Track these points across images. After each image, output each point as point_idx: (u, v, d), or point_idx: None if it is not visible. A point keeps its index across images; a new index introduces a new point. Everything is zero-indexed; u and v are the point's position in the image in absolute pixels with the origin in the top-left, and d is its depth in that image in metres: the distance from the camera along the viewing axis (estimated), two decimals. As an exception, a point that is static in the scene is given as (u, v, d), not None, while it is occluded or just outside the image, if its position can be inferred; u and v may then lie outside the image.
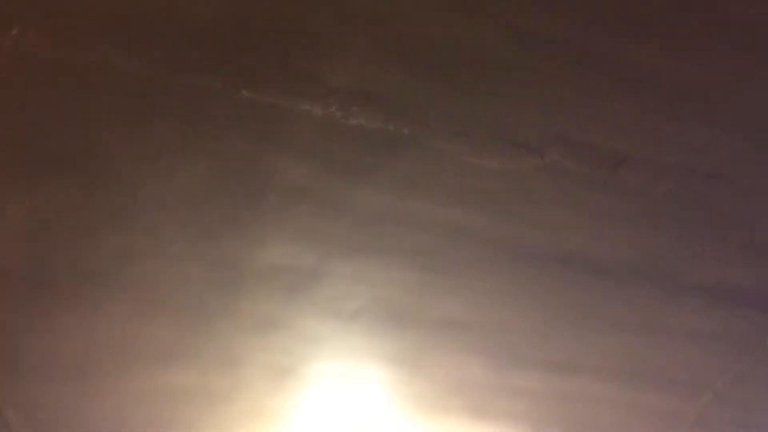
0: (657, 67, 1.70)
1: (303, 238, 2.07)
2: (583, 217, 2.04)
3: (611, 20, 1.61)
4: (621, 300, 2.28)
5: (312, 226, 2.04)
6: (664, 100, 1.77)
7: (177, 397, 2.59)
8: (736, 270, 2.21)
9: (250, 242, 2.08)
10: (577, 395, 2.66)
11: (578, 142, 1.88)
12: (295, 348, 2.46)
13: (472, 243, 2.10)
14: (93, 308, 2.20)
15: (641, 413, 2.77)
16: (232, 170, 1.90)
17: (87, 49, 1.63)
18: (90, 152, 1.82)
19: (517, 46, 1.66)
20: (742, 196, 1.99)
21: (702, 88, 1.76)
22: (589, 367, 2.53)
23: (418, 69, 1.72)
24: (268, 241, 2.08)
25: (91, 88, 1.70)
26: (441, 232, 2.06)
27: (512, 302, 2.28)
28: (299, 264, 2.15)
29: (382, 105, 1.78)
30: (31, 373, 2.43)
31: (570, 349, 2.45)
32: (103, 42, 1.62)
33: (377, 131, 1.83)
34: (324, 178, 1.93)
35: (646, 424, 2.81)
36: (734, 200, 2.00)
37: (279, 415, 2.74)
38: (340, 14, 1.59)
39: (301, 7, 1.59)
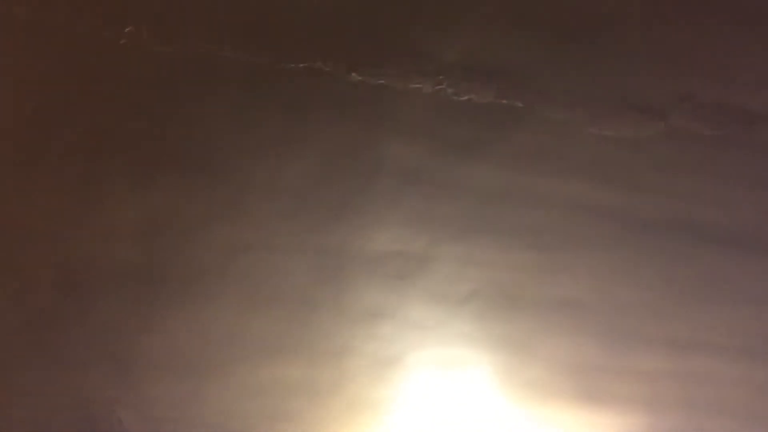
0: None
1: (414, 221, 2.01)
2: (711, 183, 1.91)
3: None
4: (750, 271, 2.14)
5: (424, 208, 1.97)
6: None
7: (283, 390, 2.57)
8: None
9: (359, 230, 2.02)
10: (698, 375, 2.52)
11: (705, 102, 1.75)
12: (402, 337, 2.40)
13: (591, 217, 1.99)
14: (202, 304, 2.19)
15: None
16: (342, 157, 1.84)
17: (197, 42, 1.59)
18: (201, 147, 1.79)
19: None
20: None
21: None
22: (713, 344, 2.40)
23: (532, 36, 1.62)
24: (377, 228, 2.02)
25: (202, 83, 1.66)
26: (558, 208, 1.97)
27: (632, 279, 2.17)
28: (409, 249, 2.09)
29: (495, 78, 1.69)
30: (143, 372, 2.45)
31: (693, 325, 2.32)
32: (213, 34, 1.59)
33: (490, 106, 1.74)
34: (436, 158, 1.85)
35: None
36: None
37: (385, 406, 2.69)
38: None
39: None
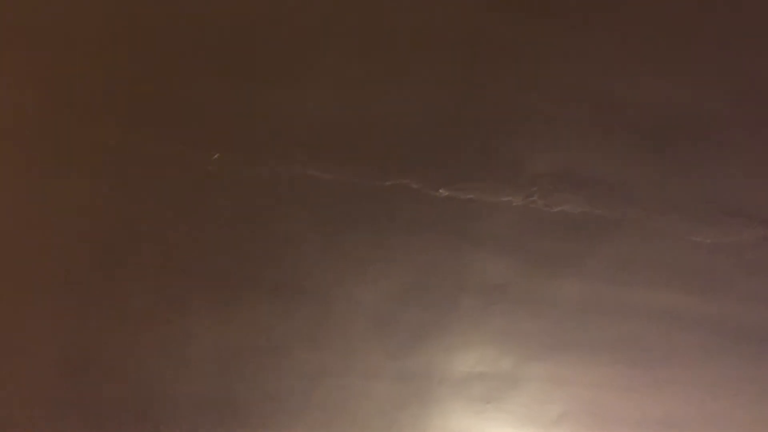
0: None
1: (499, 341, 1.93)
2: (815, 288, 1.82)
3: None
4: None
5: (509, 326, 1.90)
6: None
7: None
8: None
9: (443, 351, 1.95)
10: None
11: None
12: (487, 464, 2.26)
13: (685, 328, 1.90)
14: (284, 430, 2.08)
15: None
16: (425, 275, 1.80)
17: (284, 164, 1.59)
18: (283, 271, 1.76)
19: (737, 103, 1.53)
20: None
21: None
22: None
23: (626, 143, 1.60)
24: (462, 348, 1.94)
25: (288, 203, 1.65)
26: (650, 319, 1.88)
27: (731, 392, 2.04)
28: (494, 370, 2.00)
29: (588, 187, 1.66)
30: None
31: (801, 441, 2.16)
32: (299, 155, 1.59)
33: (582, 216, 1.70)
34: (524, 273, 1.80)
35: None
36: None
37: None
38: (550, 93, 1.50)
39: (499, 93, 1.51)
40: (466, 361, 1.96)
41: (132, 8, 1.29)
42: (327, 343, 1.91)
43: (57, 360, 1.90)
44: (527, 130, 1.56)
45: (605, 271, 1.80)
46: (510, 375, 2.00)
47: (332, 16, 1.33)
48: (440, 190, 1.67)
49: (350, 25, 1.34)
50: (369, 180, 1.65)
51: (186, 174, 1.61)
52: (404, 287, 1.81)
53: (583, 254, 1.77)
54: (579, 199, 1.68)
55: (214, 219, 1.69)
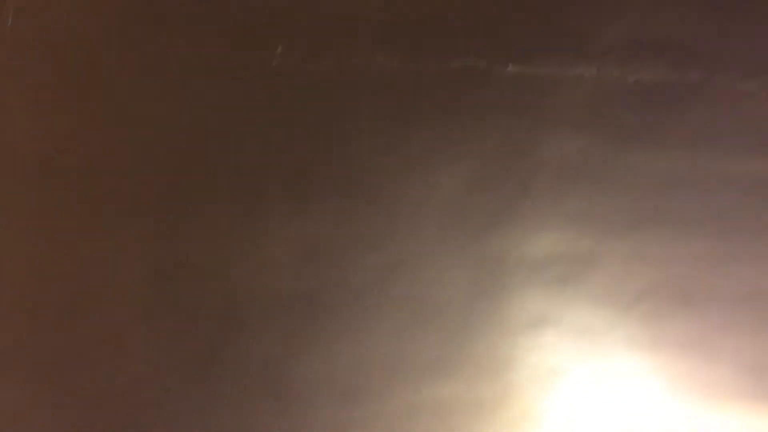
0: None
1: (577, 221, 1.88)
2: None
3: None
4: None
5: (587, 205, 1.84)
6: None
7: (444, 409, 2.47)
8: None
9: (519, 235, 1.92)
10: None
11: None
12: (566, 345, 2.26)
13: (777, 198, 1.81)
14: (361, 327, 2.14)
15: None
16: (498, 159, 1.75)
17: (349, 55, 1.55)
18: (354, 166, 1.75)
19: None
20: None
21: None
22: None
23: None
24: (538, 231, 1.91)
25: (354, 96, 1.62)
26: (741, 190, 1.79)
27: (828, 262, 1.95)
28: (572, 251, 1.96)
29: (665, 52, 1.56)
30: (299, 400, 2.41)
31: None
32: (364, 44, 1.54)
33: (660, 84, 1.61)
34: (601, 149, 1.73)
35: None
36: None
37: (550, 420, 2.54)
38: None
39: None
40: (543, 243, 1.93)
41: None
42: (401, 235, 1.91)
43: (145, 268, 1.97)
44: (598, -4, 1.46)
45: (688, 141, 1.71)
46: (588, 255, 1.97)
47: None
48: (508, 68, 1.60)
49: None
50: (436, 64, 1.59)
51: (250, 73, 1.59)
52: (476, 173, 1.78)
53: (663, 125, 1.68)
54: (656, 66, 1.58)
55: (282, 117, 1.68)
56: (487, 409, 2.46)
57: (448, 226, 1.91)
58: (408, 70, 1.57)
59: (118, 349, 2.14)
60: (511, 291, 2.08)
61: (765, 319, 2.08)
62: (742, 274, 1.96)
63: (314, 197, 1.82)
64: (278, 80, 1.58)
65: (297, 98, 1.62)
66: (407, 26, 1.51)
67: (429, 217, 1.88)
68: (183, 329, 2.09)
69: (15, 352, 2.10)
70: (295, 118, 1.66)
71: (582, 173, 1.76)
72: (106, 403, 2.31)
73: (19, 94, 1.61)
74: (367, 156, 1.74)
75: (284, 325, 2.09)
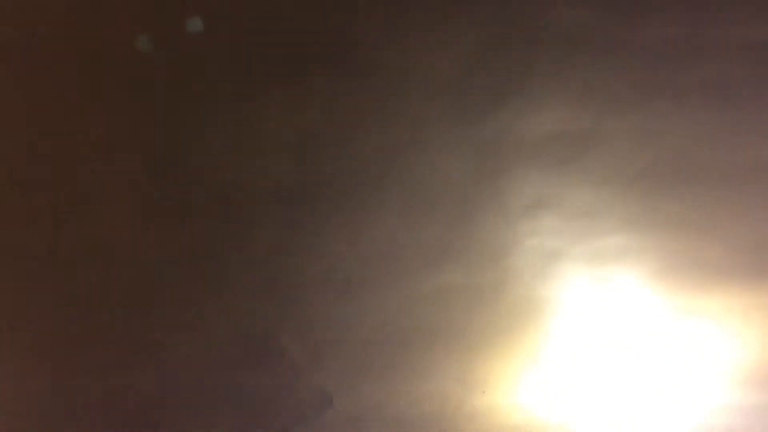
0: None
1: (579, 96, 1.83)
2: None
3: None
4: None
5: (590, 79, 1.79)
6: None
7: (445, 298, 2.48)
8: None
9: (519, 114, 1.87)
10: None
11: None
12: (565, 227, 2.25)
13: (782, 63, 1.75)
14: (360, 216, 2.11)
15: None
16: (499, 34, 1.68)
17: None
18: (349, 46, 1.67)
19: None
20: None
21: None
22: None
23: None
24: (539, 109, 1.86)
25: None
26: (744, 61, 1.73)
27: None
28: (573, 128, 1.92)
29: None
30: (303, 294, 2.41)
31: None
32: None
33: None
34: (606, 16, 1.66)
35: None
36: None
37: (550, 305, 2.56)
38: None
39: None
40: (544, 122, 1.88)
41: None
42: (399, 118, 1.85)
43: (142, 165, 1.92)
44: None
45: (691, 12, 1.63)
46: (589, 133, 1.92)
47: None
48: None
49: None
50: None
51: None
52: (477, 49, 1.71)
53: (668, -8, 1.60)
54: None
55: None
56: (486, 296, 2.48)
57: (447, 107, 1.85)
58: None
59: (113, 247, 2.11)
60: (510, 174, 2.04)
61: (763, 194, 2.06)
62: (744, 147, 1.93)
63: (310, 79, 1.75)
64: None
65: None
66: None
67: (428, 99, 1.83)
68: (177, 225, 2.05)
69: (8, 252, 2.06)
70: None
71: (584, 45, 1.70)
72: (102, 303, 2.30)
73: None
74: (365, 33, 1.66)
75: (281, 217, 2.06)
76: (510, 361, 2.76)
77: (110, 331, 2.52)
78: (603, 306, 2.57)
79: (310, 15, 1.60)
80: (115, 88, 1.71)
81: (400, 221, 2.14)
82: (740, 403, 2.93)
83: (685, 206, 2.14)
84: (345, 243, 2.18)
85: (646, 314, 2.61)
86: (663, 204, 2.14)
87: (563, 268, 2.39)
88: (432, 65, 1.73)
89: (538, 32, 1.67)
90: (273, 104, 1.77)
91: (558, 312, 2.58)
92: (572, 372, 2.85)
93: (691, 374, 2.82)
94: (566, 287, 2.48)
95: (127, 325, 2.41)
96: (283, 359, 2.71)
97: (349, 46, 1.66)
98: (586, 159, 2.01)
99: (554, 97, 1.81)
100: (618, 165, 2.02)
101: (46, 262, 2.10)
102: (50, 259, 2.10)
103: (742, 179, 2.02)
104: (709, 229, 2.22)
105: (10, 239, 2.03)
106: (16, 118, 1.76)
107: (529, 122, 1.87)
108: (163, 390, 2.79)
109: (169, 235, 2.10)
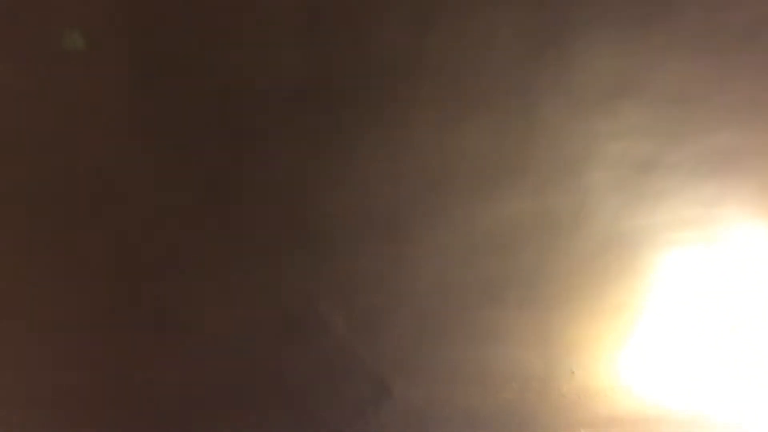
0: None
1: None
2: None
3: None
4: None
5: None
6: None
7: (510, 233, 2.03)
8: None
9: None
10: None
11: None
12: (653, 122, 1.78)
13: None
14: (393, 130, 1.70)
15: None
16: None
17: None
18: None
19: None
20: None
21: None
22: None
23: None
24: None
25: None
26: None
27: None
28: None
29: None
30: (337, 245, 2.01)
31: None
32: None
33: None
34: None
35: None
36: None
37: (645, 241, 2.06)
38: None
39: None
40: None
41: None
42: None
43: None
44: None
45: None
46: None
47: None
48: None
49: None
50: None
51: None
52: None
53: None
54: None
55: None
56: (563, 226, 2.00)
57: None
58: None
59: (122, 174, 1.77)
60: (579, 46, 1.61)
61: None
62: None
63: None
64: None
65: None
66: None
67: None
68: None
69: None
70: None
71: None
72: (119, 244, 1.95)
73: None
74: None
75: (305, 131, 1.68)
76: (597, 324, 2.25)
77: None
78: (716, 241, 2.05)
79: None
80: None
81: (445, 132, 1.72)
82: None
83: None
84: (382, 169, 1.78)
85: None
86: None
87: (656, 182, 1.90)
88: None
89: None
90: None
91: (657, 253, 2.08)
92: (682, 340, 2.31)
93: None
94: (665, 213, 1.97)
95: (144, 263, 2.03)
96: (325, 335, 2.28)
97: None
98: (675, 19, 1.56)
99: None
100: (719, 22, 1.56)
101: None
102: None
103: None
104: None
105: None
106: None
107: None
108: (190, 379, 2.39)
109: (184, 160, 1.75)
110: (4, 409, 2.40)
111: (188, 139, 1.73)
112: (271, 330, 2.27)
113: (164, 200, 1.84)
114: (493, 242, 2.02)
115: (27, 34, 1.56)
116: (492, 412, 2.54)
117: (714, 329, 2.28)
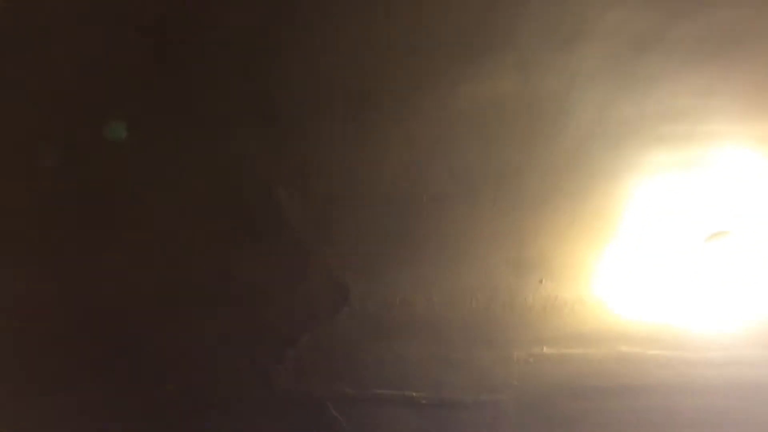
0: None
1: None
2: None
3: None
4: None
5: None
6: None
7: (476, 116, 1.86)
8: None
9: None
10: None
11: None
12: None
13: None
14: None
15: None
16: None
17: None
18: None
19: None
20: None
21: None
22: None
23: None
24: None
25: None
26: None
27: None
28: None
29: None
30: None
31: None
32: None
33: None
34: None
35: None
36: None
37: (635, 132, 1.92)
38: None
39: None
40: None
41: None
42: None
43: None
44: None
45: None
46: None
47: None
48: None
49: None
50: None
51: None
52: None
53: None
54: None
55: None
56: (540, 112, 1.85)
57: None
58: None
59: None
60: None
61: None
62: None
63: None
64: None
65: None
66: None
67: None
68: None
69: None
70: None
71: None
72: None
73: None
74: None
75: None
76: (575, 229, 2.12)
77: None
78: (706, 141, 1.92)
79: None
80: None
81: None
82: None
83: None
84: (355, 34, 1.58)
85: None
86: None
87: (652, 62, 1.75)
88: None
89: None
90: None
91: (642, 151, 1.94)
92: (659, 254, 2.20)
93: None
94: (656, 103, 1.83)
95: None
96: (281, 228, 2.10)
97: None
98: None
99: None
100: None
101: None
102: None
103: None
104: None
105: None
106: None
107: None
108: (135, 277, 2.20)
109: None
110: None
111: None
112: (223, 221, 2.09)
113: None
114: (467, 129, 1.86)
115: None
116: (453, 323, 2.41)
117: (693, 242, 2.17)
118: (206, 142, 1.88)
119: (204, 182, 1.98)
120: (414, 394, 2.77)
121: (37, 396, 2.45)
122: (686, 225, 2.12)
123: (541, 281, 2.26)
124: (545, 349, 2.55)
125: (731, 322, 2.42)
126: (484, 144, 1.89)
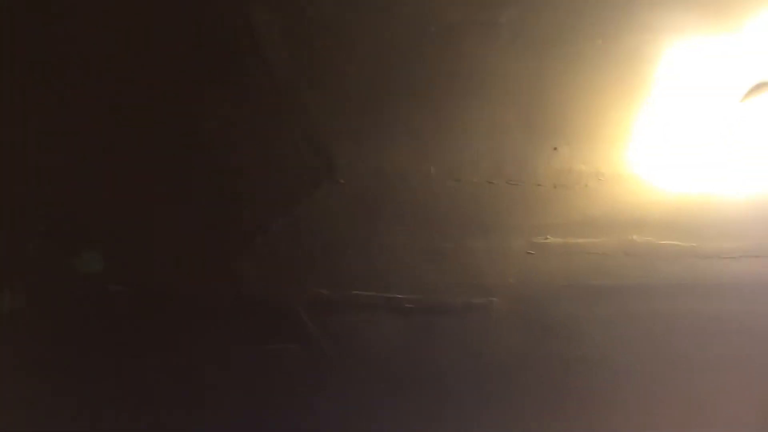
0: None
1: None
2: None
3: None
4: None
5: None
6: None
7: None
8: None
9: None
10: None
11: None
12: None
13: None
14: None
15: None
16: None
17: None
18: None
19: None
20: None
21: None
22: None
23: None
24: None
25: None
26: None
27: None
28: None
29: None
30: None
31: None
32: None
33: None
34: None
35: None
36: None
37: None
38: None
39: None
40: None
41: None
42: None
43: None
44: None
45: None
46: None
47: None
48: None
49: None
50: None
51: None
52: None
53: None
54: None
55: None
56: None
57: None
58: None
59: None
60: None
61: None
62: None
63: None
64: None
65: None
66: None
67: None
68: None
69: None
70: None
71: None
72: None
73: None
74: None
75: None
76: (600, 82, 1.82)
77: None
78: None
79: None
80: None
81: None
82: None
83: None
84: None
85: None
86: None
87: None
88: None
89: None
90: None
91: None
92: (686, 126, 1.92)
93: None
94: None
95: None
96: (260, 72, 1.72)
97: None
98: None
99: None
100: None
101: None
102: None
103: None
104: None
105: None
106: None
107: None
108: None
109: None
110: None
111: None
112: (194, 66, 1.70)
113: None
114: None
115: None
116: (450, 203, 2.10)
117: (722, 116, 1.91)
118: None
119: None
120: (398, 296, 2.46)
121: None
122: (723, 84, 1.85)
123: (555, 148, 1.96)
124: (549, 238, 2.27)
125: (753, 203, 2.19)
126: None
